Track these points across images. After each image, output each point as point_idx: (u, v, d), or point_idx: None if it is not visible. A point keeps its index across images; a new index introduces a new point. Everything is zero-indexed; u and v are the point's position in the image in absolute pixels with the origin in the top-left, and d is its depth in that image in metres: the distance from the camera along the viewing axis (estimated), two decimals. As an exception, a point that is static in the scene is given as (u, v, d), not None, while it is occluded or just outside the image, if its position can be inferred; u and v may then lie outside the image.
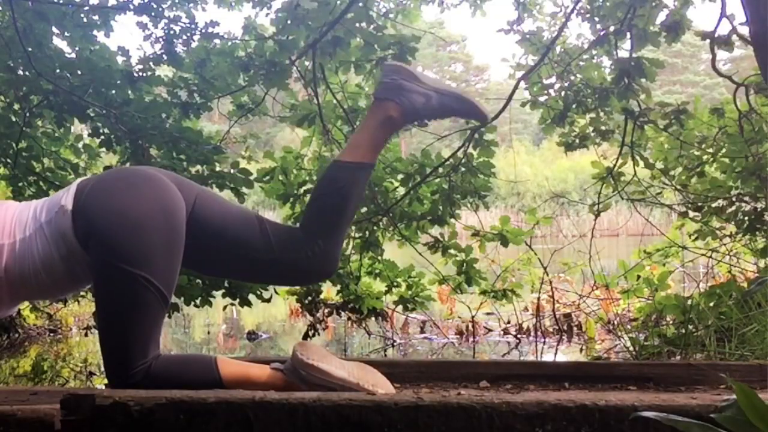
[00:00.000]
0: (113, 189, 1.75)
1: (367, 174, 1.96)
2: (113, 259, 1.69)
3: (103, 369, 4.36)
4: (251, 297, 4.09)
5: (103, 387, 2.65)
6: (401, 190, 4.53)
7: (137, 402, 1.39)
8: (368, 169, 1.95)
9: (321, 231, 1.88)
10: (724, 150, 4.50)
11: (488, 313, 5.59)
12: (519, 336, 5.34)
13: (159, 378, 1.71)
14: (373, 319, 4.93)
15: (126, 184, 1.77)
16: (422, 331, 5.64)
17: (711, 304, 3.67)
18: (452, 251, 4.56)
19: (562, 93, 4.69)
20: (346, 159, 1.92)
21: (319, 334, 4.82)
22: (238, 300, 4.09)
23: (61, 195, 1.79)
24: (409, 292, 4.71)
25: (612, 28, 4.46)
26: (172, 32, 4.40)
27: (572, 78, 4.69)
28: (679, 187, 4.75)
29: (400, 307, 4.83)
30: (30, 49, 3.79)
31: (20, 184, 4.15)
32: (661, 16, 4.26)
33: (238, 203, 3.78)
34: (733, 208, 4.56)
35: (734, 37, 4.01)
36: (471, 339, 5.32)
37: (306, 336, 4.69)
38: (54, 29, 4.33)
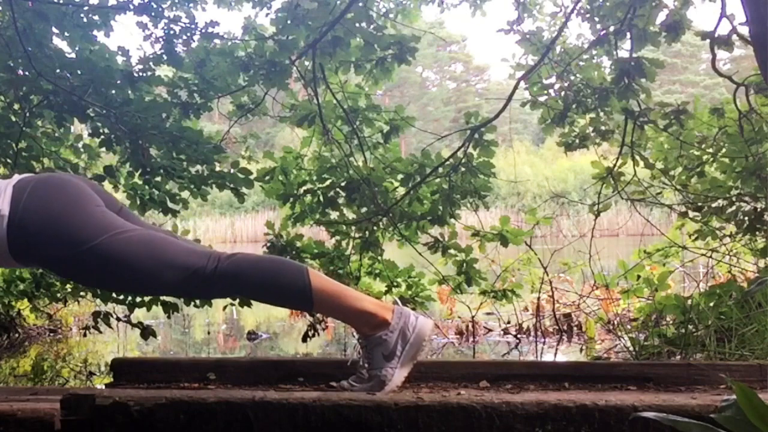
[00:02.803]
0: (48, 197, 1.76)
1: (302, 306, 1.92)
2: (75, 249, 1.72)
3: (103, 369, 4.37)
4: (251, 297, 4.08)
5: (103, 387, 2.65)
6: (401, 190, 4.54)
7: (137, 402, 1.39)
8: (308, 308, 1.91)
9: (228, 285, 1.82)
10: (724, 150, 4.50)
11: (488, 313, 5.59)
12: (519, 336, 5.34)
13: (238, 274, 1.76)
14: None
15: (56, 191, 1.78)
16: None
17: (711, 304, 3.66)
18: (452, 251, 4.56)
19: (562, 93, 4.69)
20: (317, 290, 1.80)
21: (318, 335, 4.81)
22: (238, 300, 4.08)
23: None
24: (409, 292, 4.71)
25: (612, 28, 4.46)
26: (172, 32, 4.40)
27: (572, 78, 4.69)
28: (679, 187, 4.75)
29: (400, 308, 4.83)
30: (30, 49, 3.79)
31: (20, 184, 4.14)
32: (661, 16, 4.26)
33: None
34: (733, 208, 4.56)
35: (734, 37, 4.01)
36: (471, 339, 5.32)
37: (306, 336, 4.68)
38: (54, 29, 4.32)
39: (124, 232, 1.76)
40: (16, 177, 1.83)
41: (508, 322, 5.53)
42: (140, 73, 4.14)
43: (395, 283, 4.73)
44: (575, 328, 5.41)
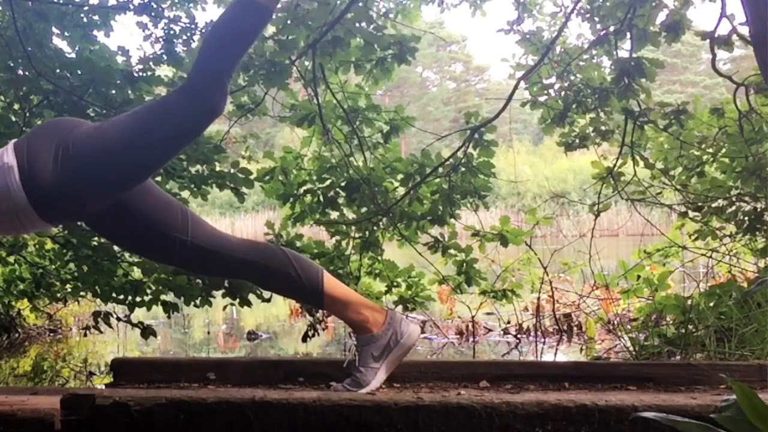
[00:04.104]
0: (46, 140, 1.85)
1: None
2: (77, 167, 1.80)
3: (103, 369, 4.37)
4: (251, 297, 4.09)
5: (103, 387, 2.65)
6: (401, 190, 4.53)
7: (137, 402, 1.39)
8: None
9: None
10: (724, 150, 4.49)
11: (488, 313, 5.59)
12: (519, 336, 5.34)
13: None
14: (373, 319, 4.91)
15: (51, 131, 1.89)
16: (422, 331, 5.64)
17: (711, 304, 3.66)
18: (452, 251, 4.55)
19: (562, 93, 4.68)
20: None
21: (318, 335, 4.82)
22: (238, 300, 4.08)
23: None
24: (409, 292, 4.71)
25: (612, 28, 4.45)
26: (172, 32, 4.40)
27: (572, 78, 4.69)
28: (679, 187, 4.75)
29: (400, 307, 4.83)
30: (30, 49, 3.79)
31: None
32: (661, 16, 4.26)
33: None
34: (733, 208, 4.56)
35: (734, 37, 4.00)
36: (471, 339, 5.32)
37: (306, 336, 4.68)
38: (54, 29, 4.33)
39: (99, 127, 1.87)
40: (13, 140, 1.91)
41: (508, 322, 5.53)
42: (140, 73, 4.13)
43: (395, 283, 4.73)
44: (575, 328, 5.42)
